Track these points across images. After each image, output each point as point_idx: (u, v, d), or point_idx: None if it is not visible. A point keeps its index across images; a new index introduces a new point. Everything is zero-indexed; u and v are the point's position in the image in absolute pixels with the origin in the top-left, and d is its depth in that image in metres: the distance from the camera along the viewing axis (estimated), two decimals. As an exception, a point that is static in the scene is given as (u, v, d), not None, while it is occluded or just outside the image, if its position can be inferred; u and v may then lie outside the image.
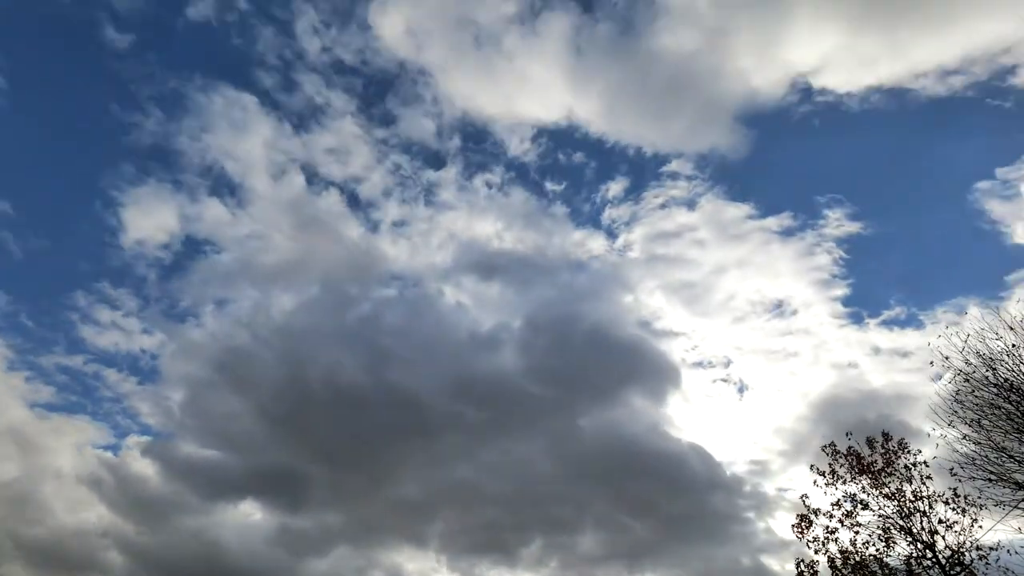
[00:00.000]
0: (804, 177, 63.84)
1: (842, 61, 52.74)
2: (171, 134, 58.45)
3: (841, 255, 54.88)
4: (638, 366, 53.67)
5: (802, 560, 18.35)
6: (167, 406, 52.39)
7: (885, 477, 17.98)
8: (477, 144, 62.48)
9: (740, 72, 55.62)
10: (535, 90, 59.52)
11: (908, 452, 18.19)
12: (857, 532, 17.66)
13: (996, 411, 14.86)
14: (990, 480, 15.02)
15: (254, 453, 48.02)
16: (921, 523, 17.01)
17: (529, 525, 45.54)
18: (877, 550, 17.31)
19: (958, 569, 16.30)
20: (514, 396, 49.87)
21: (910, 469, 17.81)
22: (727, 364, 57.84)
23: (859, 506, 17.92)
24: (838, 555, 17.64)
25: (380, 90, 63.04)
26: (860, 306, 57.21)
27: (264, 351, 50.15)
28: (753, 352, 57.80)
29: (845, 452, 18.80)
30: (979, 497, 15.87)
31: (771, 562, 39.75)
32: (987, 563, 16.14)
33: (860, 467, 18.40)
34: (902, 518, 17.29)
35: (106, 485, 47.47)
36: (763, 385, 57.90)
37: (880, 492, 17.78)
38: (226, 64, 61.64)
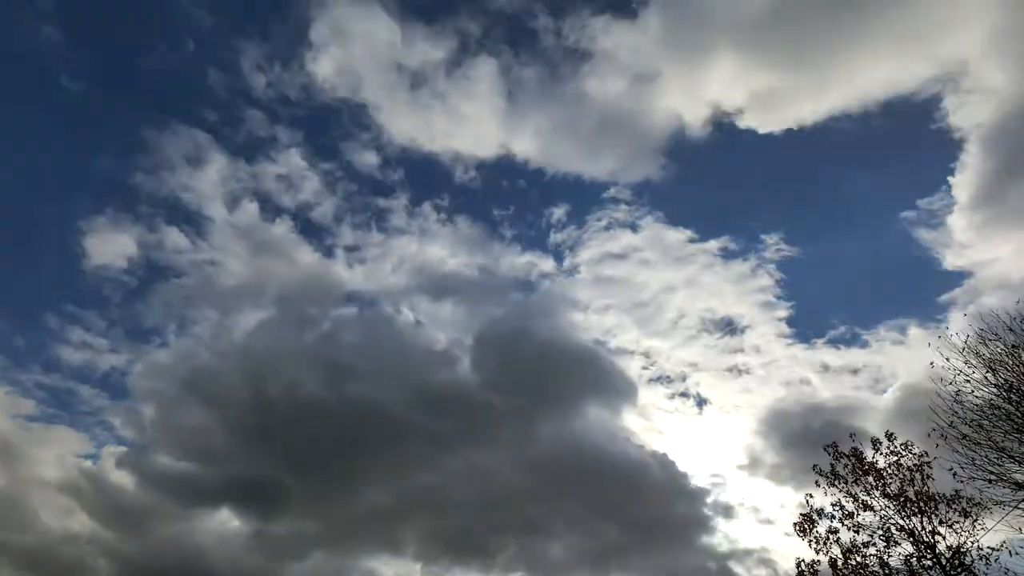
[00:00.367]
0: (737, 205, 68.80)
1: (766, 100, 56.16)
2: (127, 169, 63.65)
3: (781, 277, 58.40)
4: (594, 379, 56.08)
5: (803, 560, 18.43)
6: (139, 421, 55.39)
7: (887, 477, 18.02)
8: (422, 174, 66.78)
9: (668, 111, 59.97)
10: (470, 128, 64.20)
11: (911, 453, 18.23)
12: (858, 532, 17.71)
13: (996, 411, 14.91)
14: (990, 480, 15.06)
15: (227, 464, 50.48)
16: (922, 523, 17.04)
17: (498, 531, 47.56)
18: (878, 550, 17.36)
19: (959, 570, 16.32)
20: (474, 407, 52.47)
21: (913, 471, 17.85)
22: (683, 379, 60.02)
23: (860, 506, 17.96)
24: (839, 555, 17.70)
25: (324, 125, 67.45)
26: (804, 326, 60.66)
27: (229, 368, 53.01)
28: (707, 369, 60.27)
29: (847, 452, 18.86)
30: (980, 497, 15.92)
31: (739, 569, 41.53)
32: (988, 564, 16.15)
33: (862, 467, 18.45)
34: (903, 518, 17.33)
35: (87, 494, 50.07)
36: (719, 400, 60.10)
37: (881, 492, 17.82)
38: (178, 102, 66.39)
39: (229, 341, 56.11)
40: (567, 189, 65.43)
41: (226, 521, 49.96)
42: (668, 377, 60.26)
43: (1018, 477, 14.66)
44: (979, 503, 16.33)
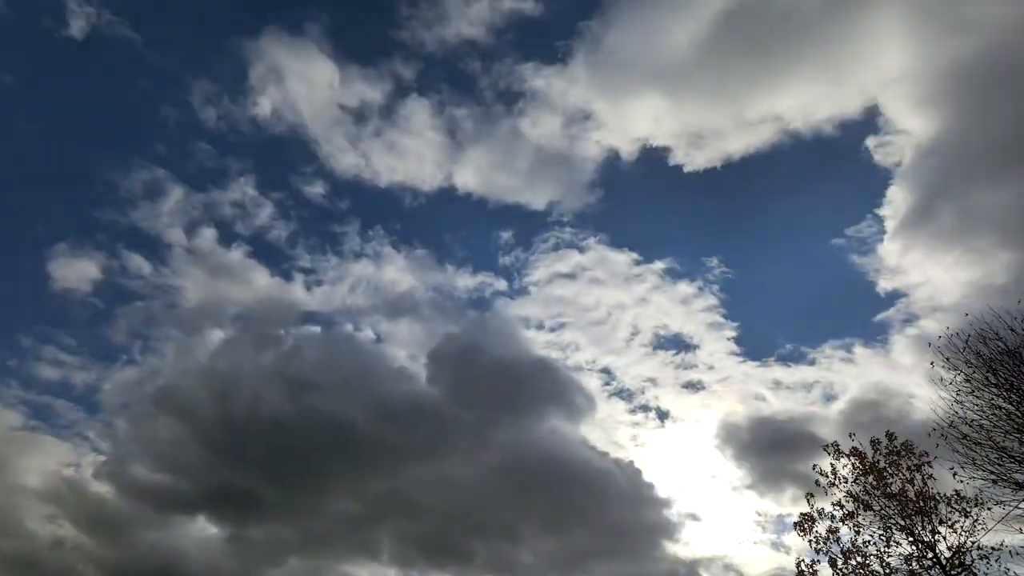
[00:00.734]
0: (675, 231, 70.69)
1: (692, 139, 59.28)
2: (86, 201, 66.76)
3: (725, 298, 60.84)
4: (553, 392, 58.31)
5: (802, 560, 18.45)
6: (114, 434, 58.14)
7: (888, 477, 18.02)
8: (370, 203, 69.48)
9: (601, 147, 63.43)
10: (412, 162, 66.92)
11: (912, 454, 18.23)
12: (858, 532, 17.73)
13: (996, 411, 14.91)
14: (991, 480, 15.06)
15: (200, 475, 52.49)
16: (922, 523, 17.04)
17: (470, 536, 49.80)
18: (879, 550, 17.37)
19: (959, 570, 16.32)
20: (435, 419, 54.82)
21: (914, 471, 17.86)
22: (643, 393, 61.97)
23: (861, 506, 17.97)
24: (839, 555, 17.71)
25: (272, 157, 69.87)
26: (751, 345, 61.61)
27: (195, 384, 55.30)
28: (665, 384, 62.11)
29: (848, 452, 18.88)
30: (980, 498, 15.92)
31: (706, 575, 44.49)
32: (988, 564, 16.16)
33: (863, 467, 18.46)
34: (904, 518, 17.33)
35: (70, 502, 51.93)
36: (679, 413, 62.13)
37: (882, 492, 17.82)
38: (133, 134, 68.76)
39: (194, 359, 59.34)
40: (511, 216, 68.48)
41: (203, 528, 52.36)
42: (628, 391, 62.75)
43: (1018, 477, 14.66)
44: (979, 503, 16.34)
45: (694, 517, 54.79)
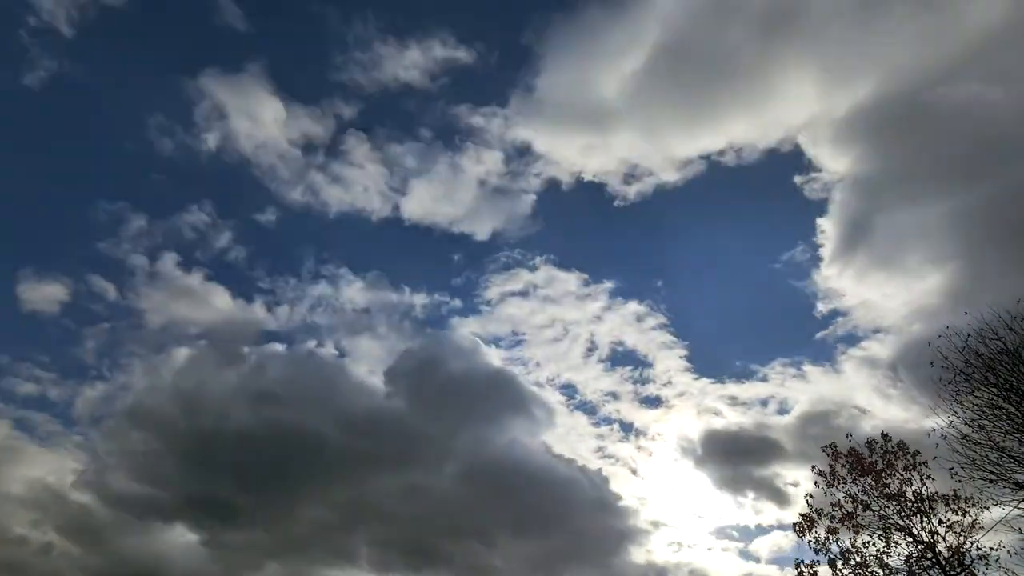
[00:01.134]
0: (619, 255, 74.05)
1: (626, 171, 63.61)
2: (53, 229, 69.53)
3: (674, 318, 63.89)
4: (514, 404, 60.65)
5: (802, 561, 18.39)
6: (91, 446, 59.63)
7: (886, 478, 18.02)
8: (322, 231, 71.93)
9: (541, 180, 67.54)
10: (359, 194, 70.04)
11: (907, 453, 18.25)
12: (858, 533, 17.70)
13: (996, 411, 14.92)
14: (990, 480, 15.06)
15: (175, 485, 54.74)
16: (922, 523, 17.05)
17: (444, 541, 51.64)
18: (878, 550, 17.36)
19: (959, 569, 16.34)
20: (399, 429, 57.08)
21: (910, 471, 17.87)
22: (604, 405, 63.64)
23: (860, 507, 17.96)
24: (839, 555, 17.68)
25: (226, 187, 72.49)
26: (703, 363, 65.06)
27: (164, 401, 57.57)
28: (625, 398, 63.86)
29: (846, 453, 18.86)
30: (979, 497, 15.93)
31: None
32: (987, 563, 16.17)
33: (861, 468, 18.45)
34: (903, 519, 17.33)
35: (53, 510, 53.41)
36: (641, 425, 63.48)
37: (881, 493, 17.82)
38: (94, 170, 71.79)
39: (161, 377, 61.81)
40: (458, 241, 71.22)
41: (182, 535, 54.19)
42: (590, 404, 65.31)
43: (1018, 477, 14.67)
44: (979, 503, 16.35)
45: (661, 524, 57.37)
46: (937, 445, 15.71)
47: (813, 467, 19.13)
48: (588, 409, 65.49)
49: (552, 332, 66.19)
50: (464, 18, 73.12)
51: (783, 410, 57.47)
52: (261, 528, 53.76)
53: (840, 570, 17.53)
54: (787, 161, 62.74)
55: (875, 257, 57.51)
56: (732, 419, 58.99)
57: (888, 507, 17.66)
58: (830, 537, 18.04)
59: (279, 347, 65.62)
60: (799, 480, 53.20)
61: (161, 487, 54.21)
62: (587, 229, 74.99)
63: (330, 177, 69.90)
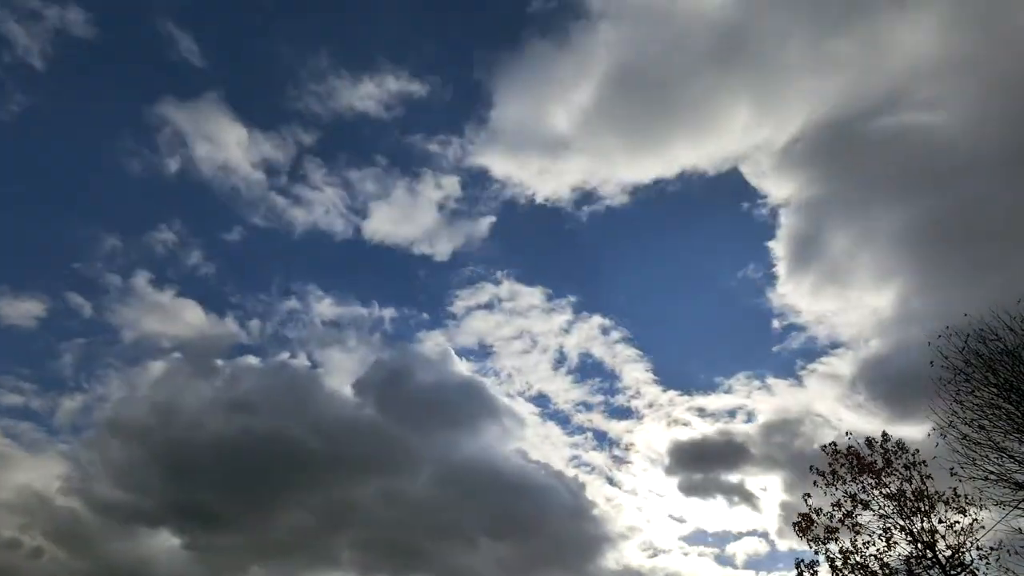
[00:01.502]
0: (578, 272, 77.06)
1: (578, 195, 67.39)
2: (30, 250, 70.88)
3: (637, 332, 66.75)
4: (485, 412, 62.84)
5: (802, 561, 18.37)
6: (75, 454, 61.18)
7: (885, 477, 17.99)
8: (289, 249, 74.07)
9: (499, 202, 70.74)
10: (320, 216, 71.79)
11: (907, 452, 18.21)
12: (857, 532, 17.67)
13: (996, 411, 14.88)
14: (990, 480, 15.04)
15: (159, 492, 56.51)
16: (921, 523, 17.03)
17: (423, 543, 53.81)
18: (878, 550, 17.33)
19: (958, 569, 16.33)
20: (373, 438, 59.68)
21: (910, 469, 17.83)
22: (576, 414, 65.97)
23: (859, 506, 17.93)
24: (838, 555, 17.65)
25: (193, 206, 74.27)
26: (667, 375, 67.41)
27: (141, 412, 59.10)
28: (596, 408, 66.07)
29: (845, 452, 18.81)
30: (979, 497, 15.91)
31: None
32: (987, 563, 16.16)
33: (860, 467, 18.41)
34: (902, 518, 17.30)
35: (41, 516, 54.74)
36: (615, 435, 65.64)
37: (880, 492, 17.79)
38: (69, 193, 73.97)
39: (137, 389, 63.73)
40: (420, 261, 73.48)
41: (167, 540, 55.90)
42: (562, 414, 68.33)
43: (1018, 477, 14.65)
44: (979, 503, 16.33)
45: (635, 530, 59.42)
46: (937, 445, 15.69)
47: (812, 467, 19.08)
48: (561, 419, 69.11)
49: (521, 344, 68.25)
50: (414, 55, 75.59)
51: (750, 420, 60.08)
52: (243, 532, 56.02)
53: (840, 570, 17.50)
54: (733, 188, 67.03)
55: (826, 274, 61.02)
56: (700, 429, 61.75)
57: (888, 507, 17.63)
58: (829, 537, 18.00)
59: (252, 359, 67.38)
60: (767, 485, 57.03)
61: (144, 494, 56.32)
62: (545, 249, 78.72)
63: (292, 199, 72.31)
